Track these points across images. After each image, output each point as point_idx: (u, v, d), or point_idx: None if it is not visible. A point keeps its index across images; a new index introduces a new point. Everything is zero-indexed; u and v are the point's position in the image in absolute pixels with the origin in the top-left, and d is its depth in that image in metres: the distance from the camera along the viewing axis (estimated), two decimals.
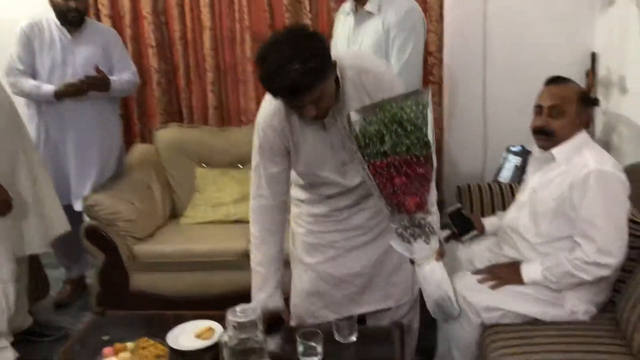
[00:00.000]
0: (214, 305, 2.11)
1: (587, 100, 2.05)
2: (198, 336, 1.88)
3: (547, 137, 2.01)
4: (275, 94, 1.64)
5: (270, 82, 1.59)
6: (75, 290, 3.23)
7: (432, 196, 1.72)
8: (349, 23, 2.50)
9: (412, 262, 1.75)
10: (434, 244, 1.69)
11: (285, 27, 1.76)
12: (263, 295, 1.92)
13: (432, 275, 1.72)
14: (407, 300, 2.07)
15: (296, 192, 2.04)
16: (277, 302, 1.93)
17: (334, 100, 1.71)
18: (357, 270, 2.00)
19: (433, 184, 1.70)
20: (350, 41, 2.48)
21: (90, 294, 3.04)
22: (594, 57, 3.11)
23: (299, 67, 1.52)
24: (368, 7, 2.41)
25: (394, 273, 2.01)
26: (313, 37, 1.61)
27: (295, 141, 1.82)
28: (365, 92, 1.73)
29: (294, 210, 2.06)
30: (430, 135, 1.60)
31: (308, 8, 3.20)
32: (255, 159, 1.89)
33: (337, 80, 1.71)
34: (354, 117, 1.60)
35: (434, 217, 1.71)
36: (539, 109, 2.03)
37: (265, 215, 1.92)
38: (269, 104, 1.80)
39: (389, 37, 2.33)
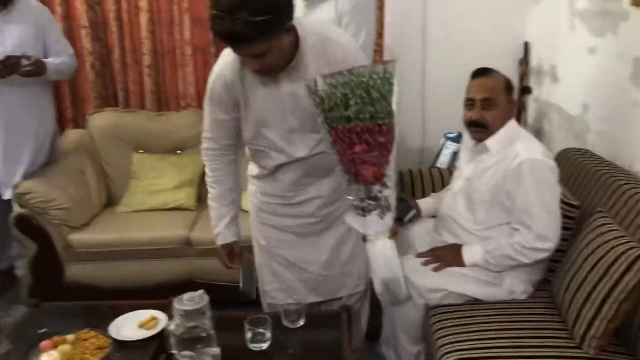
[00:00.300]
0: (154, 295, 2.07)
1: (512, 90, 2.09)
2: (141, 326, 1.83)
3: (481, 129, 2.06)
4: (217, 37, 1.60)
5: (215, 23, 1.55)
6: (5, 282, 3.07)
7: (391, 170, 1.74)
8: (298, 7, 2.47)
9: (364, 239, 1.76)
10: (388, 220, 1.71)
11: None
12: (218, 230, 2.01)
13: (383, 253, 1.74)
14: (360, 290, 2.10)
15: (250, 168, 2.03)
16: (231, 236, 2.00)
17: (284, 61, 1.70)
18: (311, 257, 2.01)
19: (393, 158, 1.72)
20: None
21: (20, 286, 2.90)
22: (526, 46, 3.22)
23: (246, 16, 1.50)
24: None
25: (349, 263, 2.03)
26: None
27: (246, 96, 1.80)
28: (325, 60, 1.71)
29: (249, 188, 2.07)
30: (395, 106, 1.61)
31: None
32: (205, 101, 1.90)
33: (297, 43, 1.70)
34: (320, 83, 1.59)
35: (390, 193, 1.72)
36: (470, 102, 2.07)
37: (212, 156, 1.97)
38: (227, 55, 1.78)
39: (341, 23, 2.33)
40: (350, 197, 1.67)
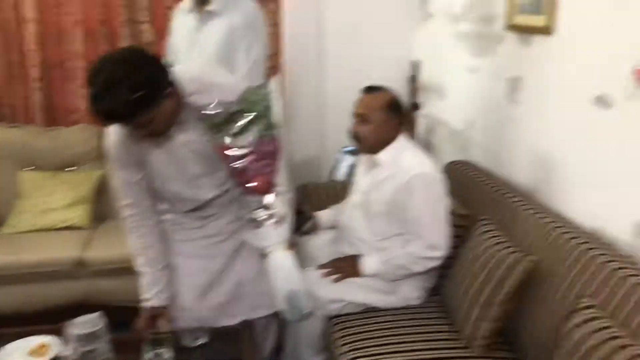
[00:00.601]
0: (45, 320, 1.97)
1: (396, 107, 2.17)
2: (31, 354, 1.74)
3: (358, 142, 2.17)
4: (96, 116, 1.58)
5: (93, 102, 1.54)
6: None
7: (282, 180, 1.78)
8: (189, 23, 2.46)
9: (264, 255, 1.78)
10: (284, 230, 1.75)
11: (123, 48, 1.72)
12: (149, 295, 1.90)
13: (283, 265, 1.78)
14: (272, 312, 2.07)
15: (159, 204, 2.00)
16: (162, 301, 1.91)
17: (171, 121, 1.71)
18: (222, 279, 1.99)
19: (284, 168, 1.76)
20: (192, 42, 2.44)
21: None
22: (416, 64, 3.41)
23: (123, 94, 1.50)
24: (212, 7, 2.39)
25: (261, 281, 1.99)
26: (148, 65, 1.59)
27: (145, 157, 1.79)
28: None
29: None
30: (276, 118, 1.65)
31: (145, 4, 3.11)
32: (114, 170, 1.86)
33: (180, 99, 1.70)
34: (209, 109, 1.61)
35: (283, 202, 1.77)
36: (353, 116, 2.18)
37: (136, 223, 1.90)
38: None
39: (234, 38, 2.35)
40: (244, 210, 1.71)
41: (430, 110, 3.29)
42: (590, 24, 1.89)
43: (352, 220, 2.27)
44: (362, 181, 2.28)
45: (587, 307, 1.56)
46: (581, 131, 1.95)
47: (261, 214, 1.70)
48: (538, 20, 2.12)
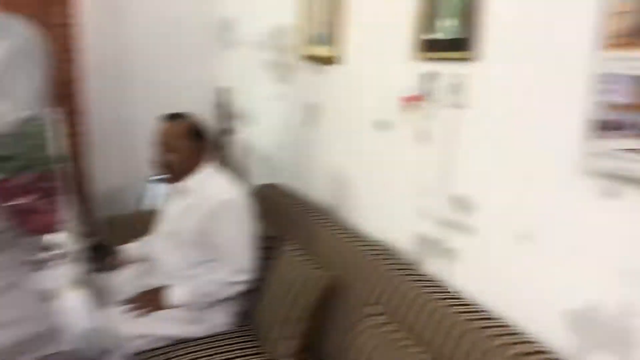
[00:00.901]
0: None
1: (197, 134, 2.18)
2: None
3: (162, 170, 2.18)
4: None
5: None
6: None
7: (70, 217, 1.69)
8: None
9: (50, 295, 1.66)
10: (72, 269, 1.65)
11: None
12: None
13: (73, 305, 1.68)
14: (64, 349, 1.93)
15: None
16: None
17: None
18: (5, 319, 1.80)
19: (71, 203, 1.66)
20: None
21: None
22: (224, 91, 3.45)
23: None
24: None
25: (46, 320, 1.82)
26: None
27: None
28: None
29: None
30: (57, 151, 1.56)
31: None
32: None
33: None
34: None
35: (73, 240, 1.66)
36: (155, 145, 2.17)
37: None
38: None
39: (6, 66, 2.16)
40: (26, 253, 1.59)
41: (244, 135, 3.35)
42: (368, 56, 2.08)
43: (161, 251, 2.21)
44: (171, 210, 2.24)
45: (376, 314, 1.69)
46: (367, 152, 2.13)
47: (45, 255, 1.59)
48: (327, 52, 2.27)
